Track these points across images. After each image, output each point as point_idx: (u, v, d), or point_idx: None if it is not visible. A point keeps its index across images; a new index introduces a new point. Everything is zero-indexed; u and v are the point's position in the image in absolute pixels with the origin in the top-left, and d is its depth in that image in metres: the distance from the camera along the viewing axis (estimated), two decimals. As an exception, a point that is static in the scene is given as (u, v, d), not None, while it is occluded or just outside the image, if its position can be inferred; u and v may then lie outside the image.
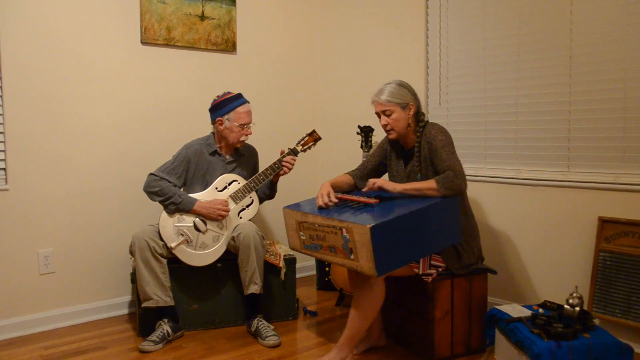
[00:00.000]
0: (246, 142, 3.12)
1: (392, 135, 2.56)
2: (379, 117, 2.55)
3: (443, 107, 3.23)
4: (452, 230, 2.39)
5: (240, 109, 2.92)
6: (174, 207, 2.79)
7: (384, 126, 2.55)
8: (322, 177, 3.94)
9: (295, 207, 2.58)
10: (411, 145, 2.57)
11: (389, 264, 2.19)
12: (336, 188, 2.65)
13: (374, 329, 2.61)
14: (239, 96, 2.98)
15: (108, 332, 2.88)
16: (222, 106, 2.94)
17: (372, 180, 2.48)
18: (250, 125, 2.96)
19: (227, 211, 2.84)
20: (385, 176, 2.76)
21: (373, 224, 2.11)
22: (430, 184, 2.37)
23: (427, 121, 2.55)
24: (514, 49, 2.88)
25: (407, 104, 2.50)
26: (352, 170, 2.80)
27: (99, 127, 3.06)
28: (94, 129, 3.04)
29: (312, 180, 3.95)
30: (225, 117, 2.93)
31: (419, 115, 2.54)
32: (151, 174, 2.84)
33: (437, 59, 3.25)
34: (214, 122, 2.96)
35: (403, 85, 2.53)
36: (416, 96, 2.55)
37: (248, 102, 2.99)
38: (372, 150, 2.92)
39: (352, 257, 2.24)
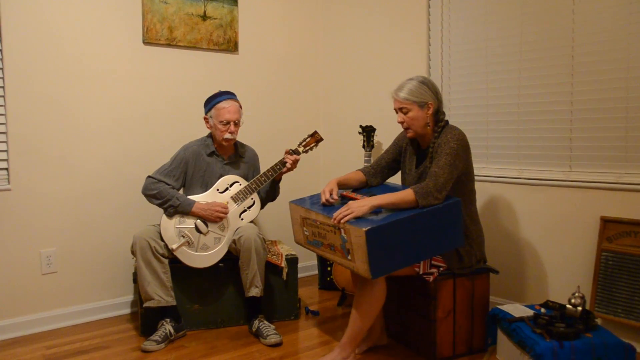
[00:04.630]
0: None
1: (410, 134, 2.50)
2: (397, 113, 2.50)
3: (445, 107, 3.21)
4: (453, 235, 2.34)
5: (220, 105, 2.85)
6: (173, 209, 2.77)
7: (401, 123, 2.49)
8: (324, 177, 3.94)
9: (301, 202, 2.57)
10: (427, 145, 2.51)
11: (384, 267, 2.18)
12: (345, 185, 2.63)
13: (375, 328, 2.61)
14: (223, 93, 2.91)
15: (110, 332, 2.88)
16: (206, 104, 2.93)
17: (339, 214, 2.26)
18: (238, 122, 2.88)
19: (226, 213, 2.82)
20: (398, 173, 2.73)
21: (369, 228, 2.09)
22: (409, 196, 2.26)
23: (447, 122, 2.49)
24: (516, 49, 2.88)
25: (426, 102, 2.43)
26: (365, 167, 2.74)
27: (102, 128, 3.06)
28: (97, 130, 3.04)
29: (314, 180, 3.95)
30: (209, 114, 2.90)
31: (438, 115, 2.48)
32: (149, 176, 2.82)
33: (439, 59, 3.24)
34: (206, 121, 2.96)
35: (424, 83, 2.45)
36: (438, 95, 2.47)
37: (232, 98, 2.90)
38: (383, 148, 2.86)
39: (349, 257, 2.23)
